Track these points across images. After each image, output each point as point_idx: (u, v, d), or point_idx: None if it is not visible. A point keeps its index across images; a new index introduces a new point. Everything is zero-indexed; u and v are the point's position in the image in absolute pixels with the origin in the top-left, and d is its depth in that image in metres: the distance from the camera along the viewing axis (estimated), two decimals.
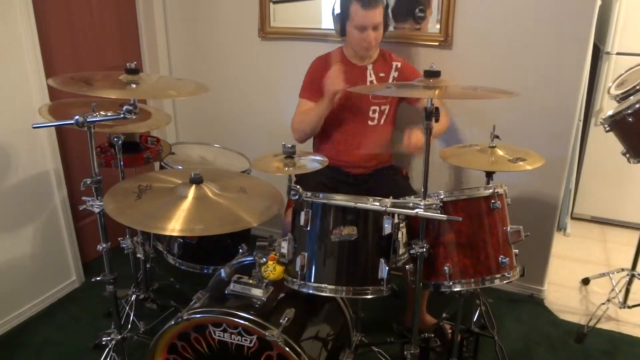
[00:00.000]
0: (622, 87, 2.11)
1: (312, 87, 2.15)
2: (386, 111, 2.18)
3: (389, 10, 2.11)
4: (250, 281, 1.53)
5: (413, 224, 1.53)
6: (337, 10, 2.09)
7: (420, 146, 2.01)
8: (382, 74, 2.16)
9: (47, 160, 2.35)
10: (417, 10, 2.33)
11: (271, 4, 2.61)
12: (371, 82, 2.15)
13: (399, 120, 2.29)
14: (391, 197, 1.45)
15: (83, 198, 1.60)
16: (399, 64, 2.19)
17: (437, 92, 1.44)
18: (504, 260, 1.55)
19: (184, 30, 2.90)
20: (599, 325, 2.28)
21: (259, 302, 1.49)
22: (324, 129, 2.17)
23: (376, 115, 2.17)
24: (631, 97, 2.01)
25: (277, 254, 1.51)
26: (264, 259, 1.52)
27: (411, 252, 1.50)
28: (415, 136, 1.97)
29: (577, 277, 2.71)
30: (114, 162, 1.98)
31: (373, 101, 2.15)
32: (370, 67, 2.15)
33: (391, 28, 2.37)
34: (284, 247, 1.48)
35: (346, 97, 2.12)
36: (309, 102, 2.14)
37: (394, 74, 2.18)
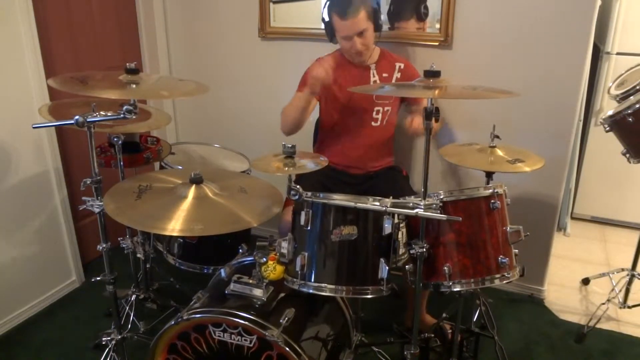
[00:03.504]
0: (622, 87, 2.11)
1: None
2: (389, 112, 2.19)
3: (379, 12, 2.09)
4: (250, 281, 1.53)
5: (413, 224, 1.53)
6: (326, 19, 2.09)
7: (421, 130, 2.03)
8: (385, 75, 2.16)
9: (47, 160, 2.35)
10: (422, 7, 2.33)
11: (271, 4, 2.61)
12: (374, 82, 2.15)
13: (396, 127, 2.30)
14: (391, 197, 1.45)
15: (83, 198, 1.60)
16: (402, 65, 2.19)
17: (437, 92, 1.44)
18: (503, 260, 1.55)
19: (184, 30, 2.90)
20: (599, 325, 2.28)
21: (259, 302, 1.49)
22: (329, 129, 2.17)
23: (379, 116, 2.18)
24: (631, 97, 2.01)
25: (277, 254, 1.51)
26: (264, 259, 1.52)
27: (411, 252, 1.50)
28: (417, 121, 2.04)
29: (577, 277, 2.71)
30: (114, 162, 1.98)
31: (377, 102, 2.15)
32: (373, 67, 2.15)
33: (387, 27, 2.37)
34: (284, 247, 1.48)
35: (351, 98, 2.13)
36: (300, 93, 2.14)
37: (397, 74, 2.18)
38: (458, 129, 2.43)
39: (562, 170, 2.31)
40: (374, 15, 2.04)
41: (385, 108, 2.17)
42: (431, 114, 1.38)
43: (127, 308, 2.16)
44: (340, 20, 1.99)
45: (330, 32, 2.10)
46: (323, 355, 1.54)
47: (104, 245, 1.66)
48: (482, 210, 1.57)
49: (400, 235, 1.47)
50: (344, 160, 2.20)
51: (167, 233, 1.37)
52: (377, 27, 2.07)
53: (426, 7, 2.32)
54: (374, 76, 2.15)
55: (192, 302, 1.54)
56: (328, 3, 2.07)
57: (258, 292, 1.51)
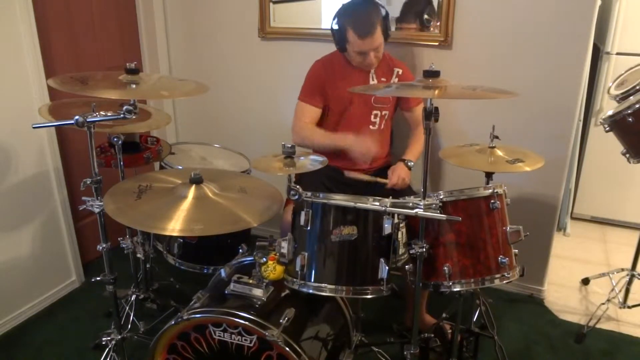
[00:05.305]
0: (622, 87, 2.11)
1: (312, 91, 2.16)
2: (386, 116, 2.20)
3: (389, 21, 2.09)
4: (250, 281, 1.53)
5: (413, 224, 1.53)
6: (335, 27, 2.07)
7: (407, 183, 2.09)
8: (383, 79, 2.17)
9: (47, 160, 2.35)
10: (425, 14, 2.33)
11: (271, 4, 2.61)
12: None
13: (396, 126, 2.29)
14: (391, 197, 1.45)
15: (83, 198, 1.60)
16: (400, 71, 2.19)
17: (436, 92, 1.44)
18: (503, 261, 1.55)
19: (184, 30, 2.90)
20: (598, 325, 2.28)
21: (259, 302, 1.49)
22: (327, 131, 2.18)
23: (377, 119, 2.18)
24: (631, 97, 2.01)
25: (277, 254, 1.51)
26: (264, 259, 1.52)
27: (411, 252, 1.50)
28: (396, 176, 2.06)
29: (577, 277, 2.71)
30: (114, 162, 1.98)
31: (375, 105, 2.16)
32: (372, 70, 2.15)
33: (393, 28, 2.37)
34: (284, 247, 1.48)
35: (350, 103, 2.13)
36: (308, 106, 2.15)
37: (394, 79, 2.18)
38: (457, 129, 2.43)
39: (562, 170, 2.31)
40: (386, 27, 2.05)
41: (383, 112, 2.18)
42: (431, 113, 1.38)
43: (127, 308, 2.16)
44: (359, 39, 1.97)
45: (341, 42, 2.08)
46: (323, 355, 1.54)
47: (104, 245, 1.66)
48: (482, 210, 1.57)
49: (400, 236, 1.47)
50: (343, 163, 2.20)
51: (167, 233, 1.37)
52: (387, 37, 2.08)
53: (430, 15, 2.31)
54: (372, 80, 2.15)
55: (192, 302, 1.54)
56: (342, 17, 2.03)
57: (258, 292, 1.51)
